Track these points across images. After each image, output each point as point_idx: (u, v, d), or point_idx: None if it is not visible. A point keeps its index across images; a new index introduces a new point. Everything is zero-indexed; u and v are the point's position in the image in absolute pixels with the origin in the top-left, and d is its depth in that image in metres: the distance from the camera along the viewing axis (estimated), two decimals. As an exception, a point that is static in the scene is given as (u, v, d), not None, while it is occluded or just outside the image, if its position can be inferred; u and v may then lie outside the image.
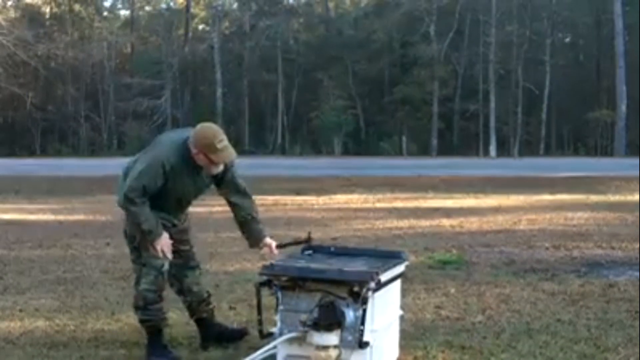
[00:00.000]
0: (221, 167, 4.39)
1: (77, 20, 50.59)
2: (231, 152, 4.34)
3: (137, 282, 4.50)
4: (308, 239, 4.48)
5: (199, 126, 4.36)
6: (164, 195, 4.38)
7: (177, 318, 5.05)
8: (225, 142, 4.28)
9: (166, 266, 4.45)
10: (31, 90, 46.51)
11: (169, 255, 4.42)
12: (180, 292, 4.71)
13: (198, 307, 4.71)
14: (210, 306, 4.77)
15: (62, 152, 43.98)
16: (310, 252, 4.42)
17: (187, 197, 4.55)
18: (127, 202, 4.33)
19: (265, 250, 4.55)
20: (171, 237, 4.45)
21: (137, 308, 4.51)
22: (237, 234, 4.81)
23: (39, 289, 6.48)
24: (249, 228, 4.55)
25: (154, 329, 4.52)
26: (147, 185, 4.28)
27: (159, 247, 4.36)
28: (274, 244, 4.56)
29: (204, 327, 4.75)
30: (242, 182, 4.58)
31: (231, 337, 4.72)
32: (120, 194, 4.40)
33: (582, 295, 5.94)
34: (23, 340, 4.90)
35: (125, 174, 4.45)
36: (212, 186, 4.59)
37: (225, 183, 4.52)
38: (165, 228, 4.43)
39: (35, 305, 5.82)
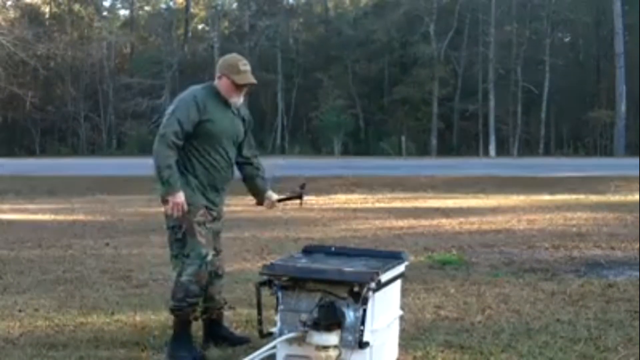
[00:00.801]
0: (242, 99, 4.57)
1: (76, 20, 50.57)
2: (252, 75, 4.52)
3: (179, 274, 4.44)
4: (302, 187, 4.82)
5: (224, 57, 4.67)
6: (203, 146, 4.42)
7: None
8: (249, 67, 4.50)
9: (210, 256, 4.44)
10: (31, 90, 46.48)
11: (181, 215, 4.34)
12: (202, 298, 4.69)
13: (212, 311, 4.70)
14: (222, 310, 4.79)
15: (62, 152, 43.96)
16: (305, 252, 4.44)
17: (226, 139, 4.52)
18: (160, 140, 4.34)
19: (266, 203, 4.83)
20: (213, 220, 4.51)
21: (174, 297, 4.45)
22: (237, 234, 4.82)
23: (39, 289, 6.48)
24: (255, 183, 4.80)
25: (183, 319, 4.47)
26: (181, 119, 4.35)
27: (171, 203, 4.31)
28: (274, 196, 4.82)
29: (210, 327, 4.74)
30: (252, 140, 4.81)
31: (233, 343, 4.71)
32: (155, 141, 4.41)
33: (582, 295, 5.94)
34: (23, 340, 4.90)
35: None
36: None
37: (245, 146, 4.72)
38: (209, 213, 4.46)
39: (34, 305, 5.83)
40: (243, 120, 4.66)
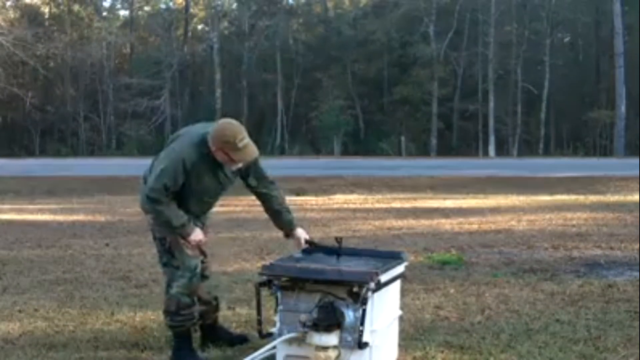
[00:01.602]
0: (240, 165, 4.27)
1: (76, 20, 50.53)
2: (252, 150, 4.18)
3: (169, 286, 4.38)
4: (339, 242, 4.37)
5: (220, 123, 4.25)
6: (185, 195, 4.27)
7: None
8: (246, 140, 4.12)
9: (199, 267, 4.37)
10: (30, 90, 46.49)
11: (205, 252, 4.34)
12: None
13: (206, 315, 4.67)
14: (217, 313, 4.75)
15: (61, 152, 43.91)
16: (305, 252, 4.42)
17: (210, 195, 4.41)
18: (150, 202, 4.21)
19: (295, 242, 4.52)
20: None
21: (167, 313, 4.40)
22: (237, 233, 4.82)
23: (38, 289, 6.48)
24: (280, 219, 4.52)
25: (183, 333, 4.43)
26: (168, 183, 4.16)
27: (194, 242, 4.26)
28: (303, 238, 4.49)
29: (207, 331, 4.73)
30: (267, 174, 4.50)
31: (232, 342, 4.71)
32: (141, 196, 4.27)
33: (582, 296, 5.94)
34: (22, 340, 4.90)
35: (145, 177, 4.35)
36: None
37: (251, 176, 4.43)
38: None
39: (34, 306, 5.82)
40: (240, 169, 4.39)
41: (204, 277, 4.59)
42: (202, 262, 4.53)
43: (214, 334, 4.73)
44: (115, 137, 46.55)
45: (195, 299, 4.42)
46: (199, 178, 4.23)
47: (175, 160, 4.18)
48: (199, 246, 4.30)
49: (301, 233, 4.51)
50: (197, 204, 4.40)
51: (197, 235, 4.29)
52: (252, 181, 4.46)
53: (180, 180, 4.18)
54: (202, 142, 4.19)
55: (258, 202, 4.63)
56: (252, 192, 4.53)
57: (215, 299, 4.75)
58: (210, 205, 4.54)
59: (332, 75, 44.78)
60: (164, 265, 4.44)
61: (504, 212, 12.13)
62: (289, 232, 4.53)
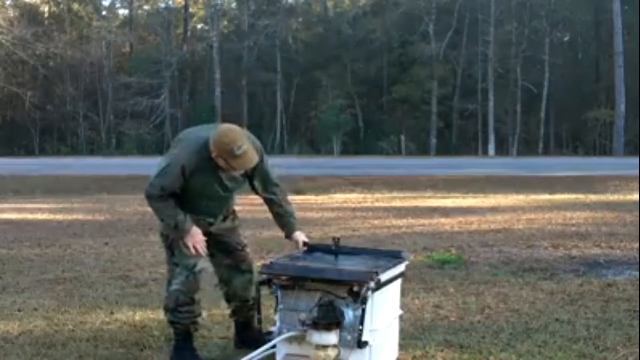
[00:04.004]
0: (242, 171, 4.26)
1: (75, 20, 50.54)
2: (251, 157, 4.12)
3: (169, 283, 4.40)
4: (336, 242, 4.41)
5: (220, 129, 4.17)
6: (190, 196, 4.27)
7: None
8: (245, 147, 4.07)
9: (199, 266, 4.34)
10: (30, 90, 46.50)
11: (202, 253, 4.31)
12: (227, 296, 4.64)
13: (240, 312, 4.65)
14: (252, 312, 4.61)
15: (61, 151, 43.92)
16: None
17: (215, 198, 4.38)
18: (147, 197, 4.27)
19: (293, 243, 4.54)
20: (207, 235, 4.36)
21: (166, 309, 4.41)
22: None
23: (38, 288, 6.48)
24: (282, 222, 4.53)
25: (182, 331, 4.41)
26: (165, 185, 4.18)
27: (189, 243, 4.26)
28: (301, 240, 4.49)
29: (239, 329, 4.69)
30: (273, 177, 4.48)
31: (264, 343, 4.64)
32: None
33: (581, 295, 5.94)
34: (22, 339, 4.90)
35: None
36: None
37: (256, 180, 4.42)
38: (199, 226, 4.32)
39: (34, 305, 5.82)
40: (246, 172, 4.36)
41: (241, 270, 4.54)
42: (237, 252, 4.52)
43: (246, 335, 4.64)
44: (114, 136, 46.56)
45: (196, 297, 4.40)
46: (200, 182, 4.23)
47: (176, 163, 4.19)
48: (195, 247, 4.29)
49: (299, 236, 4.51)
50: (204, 205, 4.39)
51: (192, 236, 4.27)
52: (257, 185, 4.45)
53: (178, 184, 4.19)
54: (204, 147, 4.16)
55: (258, 202, 4.63)
56: (257, 195, 4.54)
57: (253, 299, 4.55)
58: (220, 206, 4.49)
59: (332, 75, 44.78)
60: (167, 262, 4.46)
61: (503, 211, 12.13)
62: (288, 235, 4.54)
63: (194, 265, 4.33)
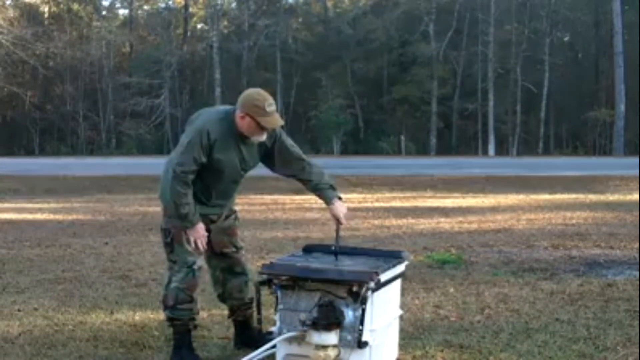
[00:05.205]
0: (265, 136, 4.19)
1: (75, 20, 50.58)
2: (278, 117, 4.14)
3: (169, 281, 4.37)
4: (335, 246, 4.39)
5: (247, 91, 4.20)
6: (206, 179, 4.22)
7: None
8: (274, 106, 4.10)
9: (198, 264, 4.33)
10: (30, 90, 46.55)
11: (201, 248, 4.28)
12: (221, 297, 4.63)
13: (238, 310, 4.64)
14: (250, 311, 4.62)
15: (61, 151, 43.96)
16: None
17: (230, 177, 4.32)
18: (174, 178, 4.11)
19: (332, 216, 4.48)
20: (208, 232, 4.33)
21: (166, 306, 4.39)
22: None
23: (38, 288, 6.47)
24: (319, 195, 4.48)
25: (182, 329, 4.40)
26: (197, 156, 4.10)
27: (192, 238, 4.23)
28: (341, 212, 4.45)
29: (240, 330, 4.69)
30: (296, 151, 4.38)
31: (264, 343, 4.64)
32: (163, 180, 4.18)
33: (581, 295, 5.94)
34: (22, 339, 4.90)
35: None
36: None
37: (276, 154, 4.34)
38: (203, 222, 4.29)
39: (34, 305, 5.82)
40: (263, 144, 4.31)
41: (234, 273, 4.53)
42: (231, 255, 4.50)
43: (245, 335, 4.63)
44: (114, 136, 46.60)
45: (195, 295, 4.40)
46: (221, 153, 4.17)
47: (198, 133, 4.12)
48: (196, 244, 4.28)
49: (337, 209, 4.45)
50: (221, 190, 4.35)
51: (197, 230, 4.25)
52: (277, 160, 4.36)
53: (204, 156, 4.12)
54: (226, 116, 4.17)
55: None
56: (284, 175, 4.48)
57: (250, 299, 4.57)
58: (230, 191, 4.44)
59: (332, 75, 44.81)
60: (167, 259, 4.43)
61: (503, 211, 12.13)
62: (327, 204, 4.49)
63: (193, 263, 4.31)
